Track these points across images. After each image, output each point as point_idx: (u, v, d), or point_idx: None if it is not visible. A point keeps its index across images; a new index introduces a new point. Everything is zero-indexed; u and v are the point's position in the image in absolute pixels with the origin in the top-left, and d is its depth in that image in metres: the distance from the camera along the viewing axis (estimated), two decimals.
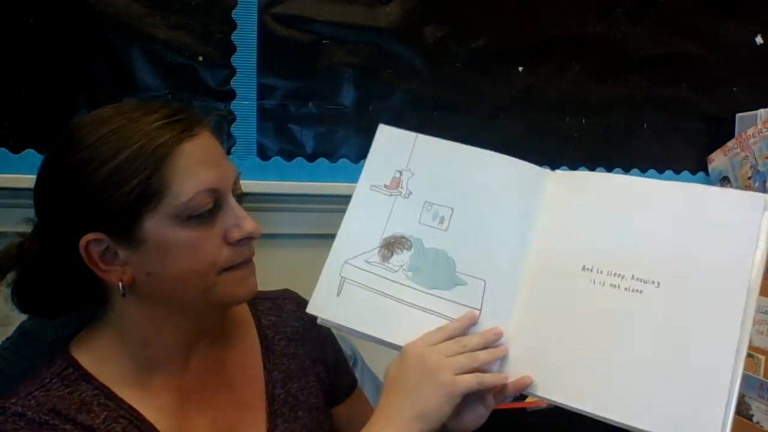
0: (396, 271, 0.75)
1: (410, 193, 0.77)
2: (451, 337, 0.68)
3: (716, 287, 0.64)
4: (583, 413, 0.66)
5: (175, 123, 0.64)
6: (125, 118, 0.63)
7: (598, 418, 0.65)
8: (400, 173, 0.77)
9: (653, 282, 0.67)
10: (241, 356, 0.76)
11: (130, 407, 0.65)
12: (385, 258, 0.75)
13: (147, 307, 0.66)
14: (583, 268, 0.69)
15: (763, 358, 1.15)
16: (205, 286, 0.65)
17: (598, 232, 0.70)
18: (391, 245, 0.76)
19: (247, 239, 0.67)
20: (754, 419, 1.15)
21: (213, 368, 0.73)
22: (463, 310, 0.71)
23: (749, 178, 1.40)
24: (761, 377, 1.14)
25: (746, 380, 1.17)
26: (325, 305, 0.75)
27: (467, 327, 0.70)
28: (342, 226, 0.78)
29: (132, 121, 0.63)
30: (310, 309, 0.76)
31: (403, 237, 0.76)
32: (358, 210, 0.78)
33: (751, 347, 1.18)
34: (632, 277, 0.67)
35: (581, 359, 0.67)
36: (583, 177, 0.73)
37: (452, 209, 0.75)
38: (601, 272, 0.69)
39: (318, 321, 0.78)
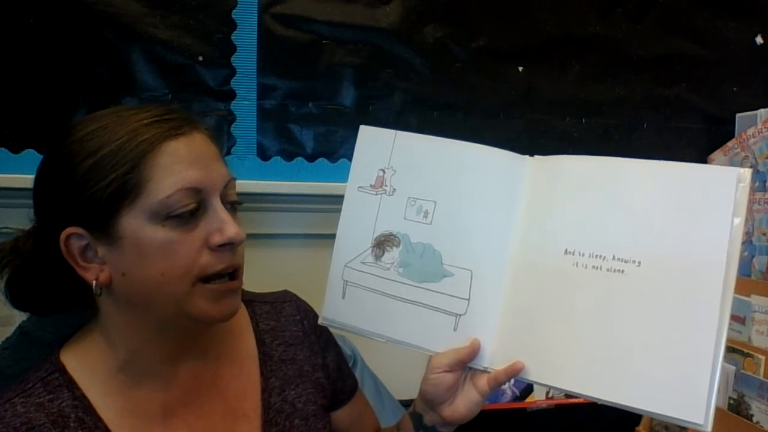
0: (388, 269, 0.77)
1: (394, 190, 0.78)
2: None
3: (695, 262, 0.64)
4: (574, 394, 0.68)
5: (163, 121, 0.63)
6: (116, 116, 0.63)
7: (588, 399, 0.67)
8: (383, 171, 0.78)
9: (634, 261, 0.67)
10: (236, 365, 0.75)
11: (107, 429, 0.64)
12: (378, 257, 0.77)
13: (126, 311, 0.65)
14: (566, 251, 0.70)
15: (763, 358, 1.15)
16: (179, 295, 0.63)
17: (578, 214, 0.71)
18: (382, 244, 0.78)
19: (229, 245, 0.65)
20: (754, 419, 1.15)
21: (204, 379, 0.72)
22: (453, 301, 0.73)
23: None
24: (761, 377, 1.14)
25: (746, 380, 1.17)
26: (333, 310, 0.79)
27: None
28: (338, 231, 0.80)
29: (121, 118, 0.63)
30: (324, 319, 0.80)
31: (391, 234, 0.77)
32: (350, 213, 0.80)
33: (751, 347, 1.18)
34: (613, 257, 0.68)
35: (569, 342, 0.68)
36: (560, 160, 0.73)
37: (435, 202, 0.76)
38: (583, 255, 0.69)
39: (320, 322, 0.80)
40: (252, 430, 0.72)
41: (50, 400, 0.63)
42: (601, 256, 0.68)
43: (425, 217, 0.76)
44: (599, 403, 0.67)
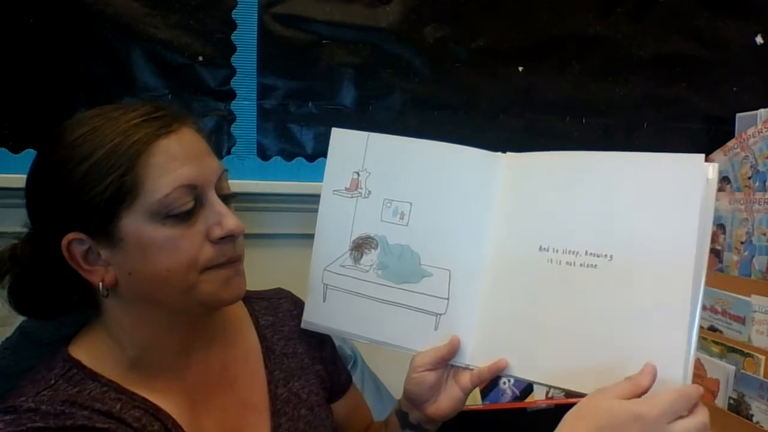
0: (367, 271, 0.77)
1: (369, 192, 0.78)
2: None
3: (665, 252, 0.64)
4: (557, 389, 0.68)
5: (152, 120, 0.63)
6: (104, 118, 0.63)
7: (569, 392, 0.67)
8: (358, 174, 0.79)
9: (606, 255, 0.67)
10: (242, 357, 0.76)
11: (144, 399, 0.65)
12: (356, 260, 0.78)
13: (134, 310, 0.66)
14: (540, 248, 0.70)
15: (763, 358, 1.15)
16: (186, 285, 0.64)
17: (550, 210, 0.71)
18: (360, 246, 0.78)
19: (230, 237, 0.66)
20: (754, 419, 1.15)
21: (215, 370, 0.73)
22: (433, 301, 0.74)
23: (749, 178, 1.40)
24: (761, 377, 1.14)
25: (746, 380, 1.17)
26: (315, 313, 0.80)
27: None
28: (316, 235, 0.80)
29: (110, 120, 0.63)
30: (305, 322, 0.80)
31: (368, 237, 0.78)
32: (326, 216, 0.80)
33: (751, 347, 1.18)
34: (586, 252, 0.68)
35: (549, 338, 0.69)
36: (532, 157, 0.74)
37: (410, 204, 0.76)
38: (557, 251, 0.70)
39: (302, 325, 0.81)
40: (262, 421, 0.73)
41: (78, 392, 0.63)
42: (574, 251, 0.69)
43: (401, 218, 0.76)
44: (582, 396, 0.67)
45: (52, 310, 0.70)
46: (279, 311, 0.83)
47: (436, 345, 0.73)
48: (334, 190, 0.80)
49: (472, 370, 0.73)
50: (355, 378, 0.92)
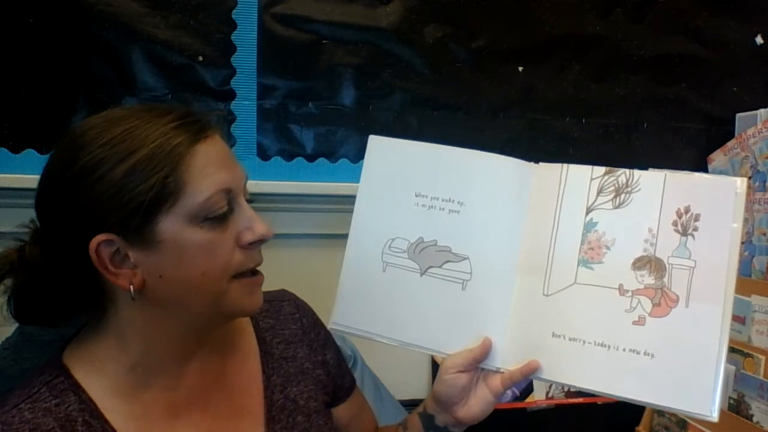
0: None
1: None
2: None
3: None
4: (588, 391, 0.70)
5: (189, 124, 0.63)
6: (138, 119, 0.62)
7: (602, 395, 0.69)
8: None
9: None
10: (239, 362, 0.75)
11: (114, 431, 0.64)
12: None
13: (152, 313, 0.65)
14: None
15: (763, 358, 1.15)
16: (217, 291, 0.64)
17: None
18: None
19: (258, 242, 0.66)
20: (754, 419, 1.15)
21: (211, 377, 0.72)
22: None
23: (749, 178, 1.40)
24: (761, 377, 1.14)
25: (746, 380, 1.17)
26: (344, 316, 0.80)
27: None
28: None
29: (146, 122, 0.62)
30: (334, 323, 0.80)
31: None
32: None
33: (751, 347, 1.18)
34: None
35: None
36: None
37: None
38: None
39: (331, 327, 0.81)
40: (256, 427, 0.73)
41: (56, 405, 0.63)
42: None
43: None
44: (612, 398, 0.69)
45: (55, 317, 0.68)
46: (281, 314, 0.82)
47: (467, 347, 0.74)
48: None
49: (502, 373, 0.74)
50: (355, 378, 0.91)
